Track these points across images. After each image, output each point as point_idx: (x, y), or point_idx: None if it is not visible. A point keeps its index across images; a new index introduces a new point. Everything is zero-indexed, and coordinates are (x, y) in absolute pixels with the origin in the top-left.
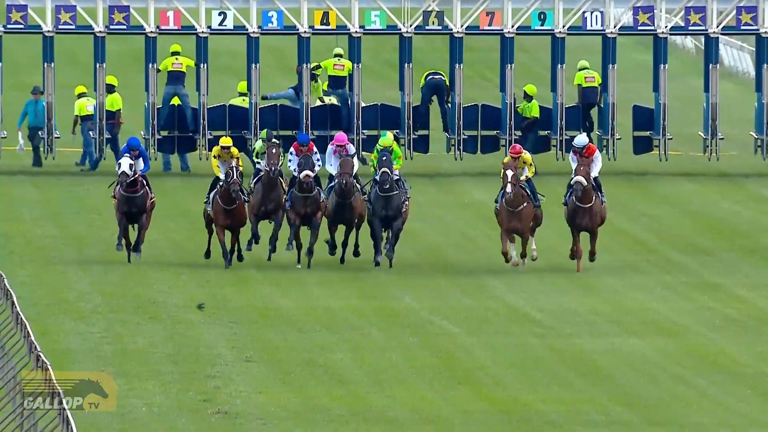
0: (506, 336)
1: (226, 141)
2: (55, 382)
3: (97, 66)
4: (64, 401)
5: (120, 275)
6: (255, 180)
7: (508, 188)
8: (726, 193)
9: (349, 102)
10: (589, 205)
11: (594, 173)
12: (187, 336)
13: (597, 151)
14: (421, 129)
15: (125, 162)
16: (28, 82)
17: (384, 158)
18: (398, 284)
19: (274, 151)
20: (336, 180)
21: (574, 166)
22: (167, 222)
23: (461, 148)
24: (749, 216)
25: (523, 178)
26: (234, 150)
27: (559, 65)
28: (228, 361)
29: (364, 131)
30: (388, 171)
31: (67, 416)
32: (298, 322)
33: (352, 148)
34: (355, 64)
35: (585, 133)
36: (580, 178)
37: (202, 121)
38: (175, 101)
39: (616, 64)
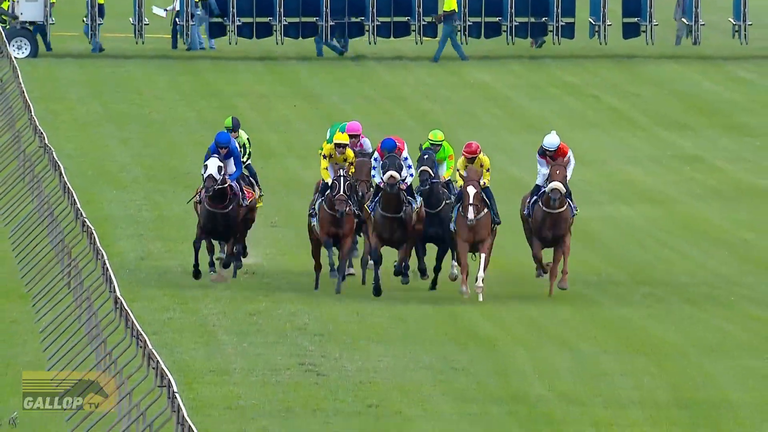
0: (506, 204)
1: (341, 138)
2: (99, 246)
3: None
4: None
5: (158, 149)
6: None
7: (470, 213)
8: (707, 74)
9: None
10: (560, 210)
11: (569, 175)
12: None
13: (569, 150)
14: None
15: (213, 164)
16: None
17: (426, 156)
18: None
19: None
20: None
21: (541, 170)
22: (199, 101)
23: (466, 33)
24: (728, 96)
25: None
26: (349, 151)
27: None
28: (256, 225)
29: (378, 18)
30: (429, 170)
31: (109, 275)
32: None
33: (367, 143)
34: None
35: (554, 132)
36: (557, 184)
37: (231, 9)
38: None
39: None
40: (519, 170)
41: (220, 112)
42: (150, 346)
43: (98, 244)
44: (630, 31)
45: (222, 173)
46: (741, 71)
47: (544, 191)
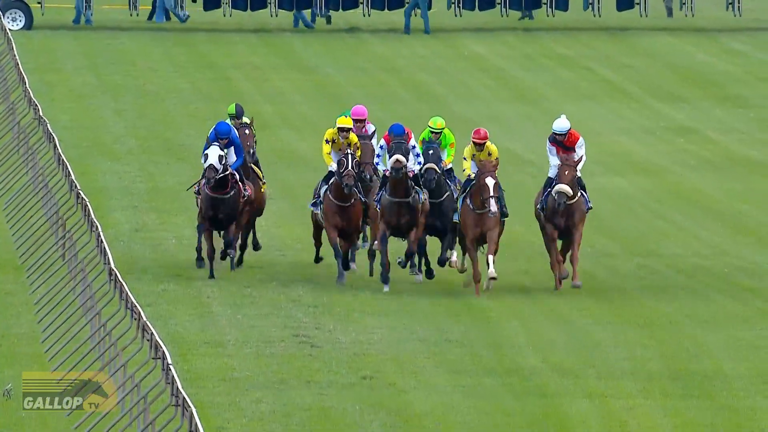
0: (503, 175)
1: (344, 122)
2: (94, 218)
3: None
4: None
5: (152, 120)
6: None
7: (492, 206)
8: (701, 46)
9: None
10: (573, 201)
11: (578, 168)
12: None
13: (580, 138)
14: None
15: (213, 153)
16: None
17: (431, 151)
18: None
19: (247, 131)
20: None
21: (552, 160)
22: (193, 72)
23: (461, 5)
24: (722, 67)
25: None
26: (353, 136)
27: None
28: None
29: None
30: (435, 168)
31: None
32: (316, 163)
33: (372, 127)
34: None
35: (564, 116)
36: (564, 187)
37: None
38: None
39: None
40: (512, 141)
41: (215, 83)
42: (144, 318)
43: (93, 216)
44: (624, 3)
45: (223, 162)
46: (735, 43)
47: (553, 194)
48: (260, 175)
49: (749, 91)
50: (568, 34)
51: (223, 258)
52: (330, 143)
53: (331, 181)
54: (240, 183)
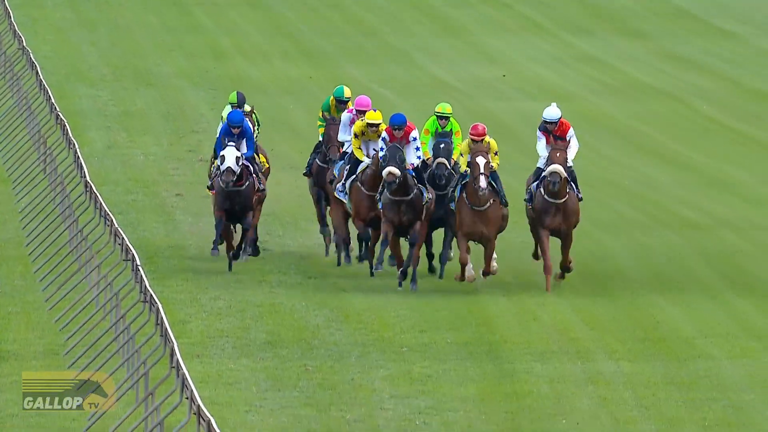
0: (429, 100)
1: (374, 117)
2: (71, 136)
3: None
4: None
5: (122, 49)
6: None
7: (482, 182)
8: None
9: None
10: (563, 200)
11: (570, 158)
12: (176, 99)
13: (571, 128)
14: None
15: (230, 155)
16: None
17: (442, 145)
18: (345, 57)
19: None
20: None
21: (541, 148)
22: (161, 8)
23: None
24: (624, 3)
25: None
26: (383, 128)
27: None
28: (209, 119)
29: None
30: (446, 163)
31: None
32: (266, 89)
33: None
34: None
35: (555, 104)
36: (557, 167)
37: None
38: None
39: None
40: (440, 70)
41: (180, 18)
42: (116, 225)
43: (70, 135)
44: None
45: (240, 164)
46: None
47: (545, 176)
48: (263, 163)
49: (647, 24)
50: None
51: (235, 258)
52: (359, 136)
53: (359, 171)
54: (255, 175)
